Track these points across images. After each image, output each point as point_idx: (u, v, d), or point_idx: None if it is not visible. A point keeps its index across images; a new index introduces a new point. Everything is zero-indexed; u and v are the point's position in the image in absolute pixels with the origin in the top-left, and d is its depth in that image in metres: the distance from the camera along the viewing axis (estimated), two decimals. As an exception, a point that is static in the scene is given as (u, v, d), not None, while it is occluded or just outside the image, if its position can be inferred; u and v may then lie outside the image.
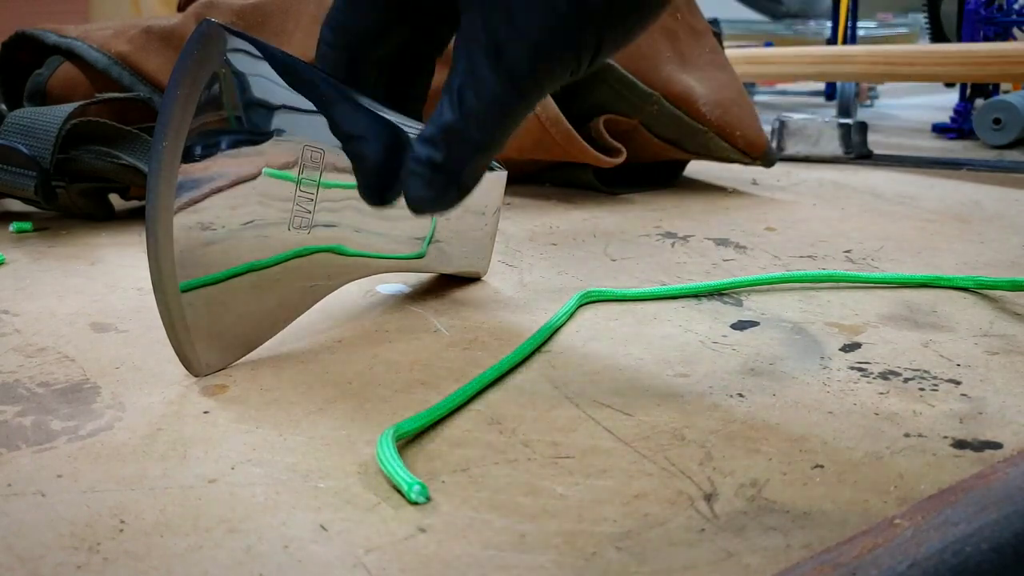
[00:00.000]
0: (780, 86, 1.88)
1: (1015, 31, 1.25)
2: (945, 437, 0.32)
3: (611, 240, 0.61)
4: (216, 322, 0.38)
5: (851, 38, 1.46)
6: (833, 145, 0.97)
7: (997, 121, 1.08)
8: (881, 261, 0.56)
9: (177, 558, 0.25)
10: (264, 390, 0.36)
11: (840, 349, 0.41)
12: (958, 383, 0.37)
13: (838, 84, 1.42)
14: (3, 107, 0.72)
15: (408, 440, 0.32)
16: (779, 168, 0.90)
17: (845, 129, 0.97)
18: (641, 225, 0.66)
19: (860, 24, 1.60)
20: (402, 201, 0.38)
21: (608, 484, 0.29)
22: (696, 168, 0.87)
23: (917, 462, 0.30)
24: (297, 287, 0.40)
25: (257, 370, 0.38)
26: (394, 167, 0.38)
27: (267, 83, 0.37)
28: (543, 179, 0.81)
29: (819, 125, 0.97)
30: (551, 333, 0.42)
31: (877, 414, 0.34)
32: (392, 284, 0.50)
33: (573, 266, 0.55)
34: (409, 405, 0.35)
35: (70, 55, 0.70)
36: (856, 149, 0.97)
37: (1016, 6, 1.24)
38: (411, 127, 0.40)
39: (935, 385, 0.37)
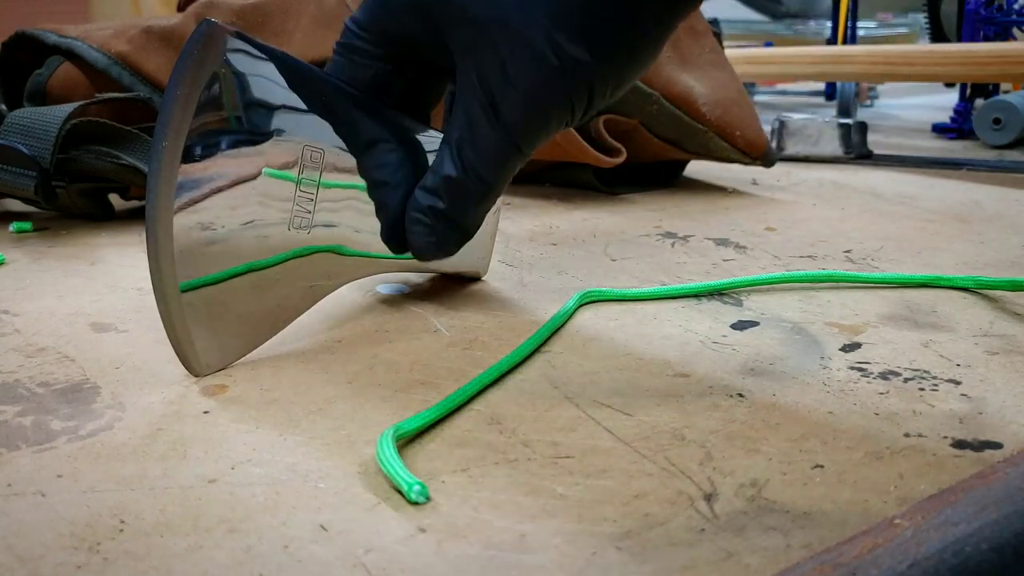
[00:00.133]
0: (780, 86, 1.88)
1: (1015, 31, 1.25)
2: (945, 437, 0.32)
3: (611, 240, 0.61)
4: (216, 322, 0.38)
5: (851, 38, 1.46)
6: (833, 145, 0.97)
7: (997, 121, 1.08)
8: (881, 261, 0.56)
9: (177, 558, 0.25)
10: (264, 390, 0.36)
11: (840, 349, 0.41)
12: (958, 383, 0.37)
13: (838, 84, 1.42)
14: (3, 107, 0.72)
15: (408, 440, 0.32)
16: (779, 168, 0.90)
17: (845, 129, 0.97)
18: (641, 225, 0.66)
19: (860, 24, 1.60)
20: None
21: (608, 484, 0.29)
22: (696, 168, 0.87)
23: (917, 462, 0.30)
24: (297, 287, 0.40)
25: (257, 370, 0.38)
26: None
27: (267, 83, 0.37)
28: (543, 179, 0.81)
29: (819, 125, 0.97)
30: (551, 333, 0.42)
31: (877, 414, 0.34)
32: (392, 284, 0.50)
33: (573, 266, 0.55)
34: (409, 405, 0.35)
35: (70, 55, 0.70)
36: (856, 149, 0.97)
37: (1016, 6, 1.24)
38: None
39: (935, 385, 0.37)
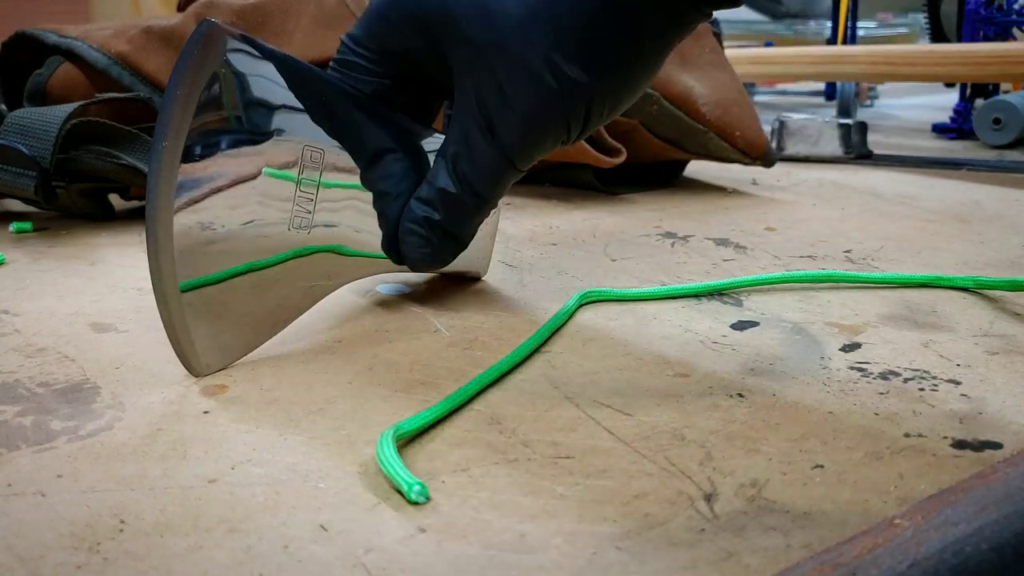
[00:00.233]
0: (780, 86, 1.88)
1: (1015, 31, 1.25)
2: (945, 437, 0.32)
3: (611, 240, 0.61)
4: (216, 322, 0.38)
5: (851, 38, 1.46)
6: (833, 145, 0.97)
7: (997, 121, 1.08)
8: (881, 261, 0.56)
9: (177, 558, 0.25)
10: (264, 390, 0.36)
11: (840, 349, 0.41)
12: (958, 383, 0.37)
13: (838, 84, 1.42)
14: (3, 107, 0.72)
15: (408, 440, 0.32)
16: (779, 168, 0.90)
17: (845, 129, 0.97)
18: (641, 225, 0.66)
19: (860, 24, 1.60)
20: None
21: (608, 484, 0.29)
22: (696, 168, 0.87)
23: (917, 462, 0.30)
24: (297, 287, 0.40)
25: (257, 370, 0.38)
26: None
27: (267, 83, 0.37)
28: (543, 179, 0.81)
29: (819, 125, 0.97)
30: (551, 333, 0.42)
31: (877, 414, 0.34)
32: (392, 284, 0.50)
33: (573, 266, 0.55)
34: (409, 405, 0.35)
35: (70, 55, 0.70)
36: (856, 149, 0.97)
37: (1016, 6, 1.24)
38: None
39: (935, 385, 0.37)
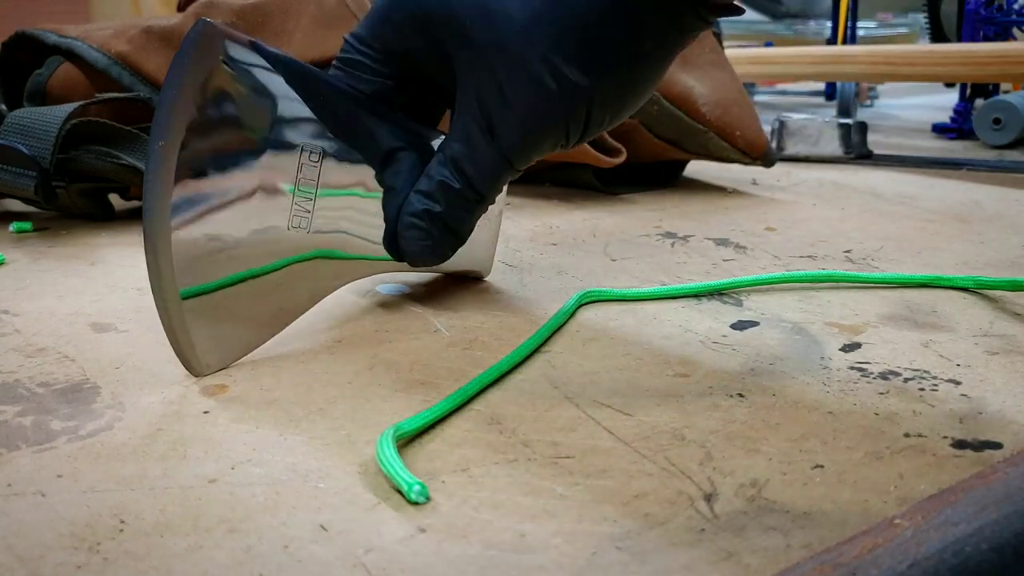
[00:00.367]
0: (780, 86, 1.88)
1: (1015, 31, 1.25)
2: (945, 437, 0.32)
3: (611, 240, 0.61)
4: (216, 324, 0.38)
5: (851, 38, 1.46)
6: (833, 145, 0.97)
7: (997, 121, 1.08)
8: (881, 261, 0.56)
9: (177, 558, 0.25)
10: (264, 390, 0.36)
11: (840, 349, 0.41)
12: (958, 383, 0.37)
13: (838, 84, 1.42)
14: (3, 107, 0.72)
15: (408, 440, 0.32)
16: (779, 168, 0.90)
17: (845, 129, 0.97)
18: (641, 225, 0.66)
19: (860, 24, 1.60)
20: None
21: (608, 484, 0.29)
22: (696, 168, 0.87)
23: (917, 462, 0.30)
24: (298, 288, 0.40)
25: (257, 370, 0.38)
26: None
27: (265, 83, 0.37)
28: (543, 179, 0.81)
29: (819, 125, 0.97)
30: (551, 333, 0.42)
31: (877, 414, 0.34)
32: (392, 284, 0.50)
33: (573, 266, 0.55)
34: (409, 405, 0.35)
35: (70, 55, 0.70)
36: (856, 149, 0.97)
37: (1016, 6, 1.24)
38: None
39: (935, 385, 0.37)
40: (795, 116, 0.99)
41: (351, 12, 0.72)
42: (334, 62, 0.40)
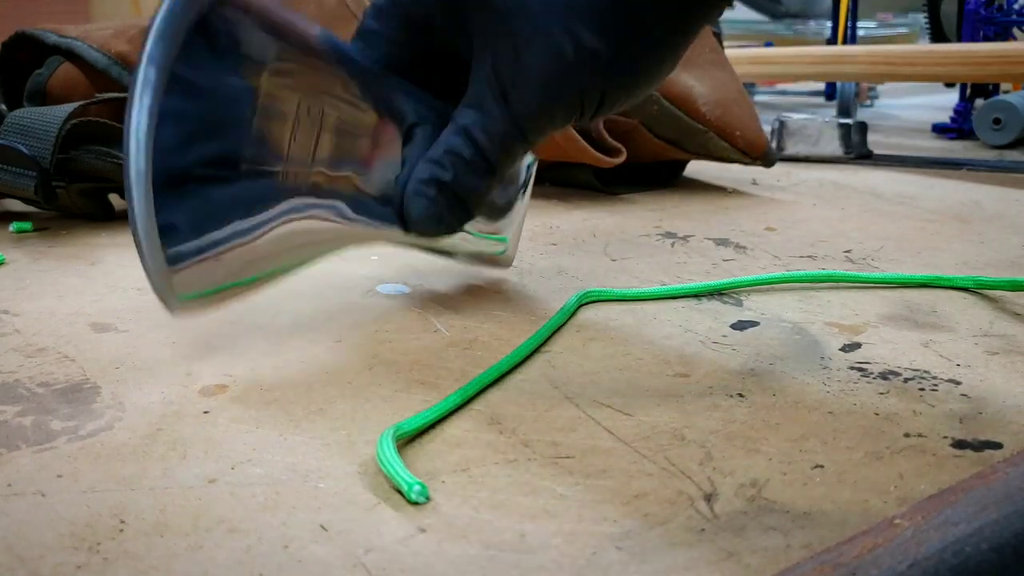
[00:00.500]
0: (780, 86, 1.88)
1: (1015, 31, 1.25)
2: (945, 437, 0.32)
3: (611, 240, 0.61)
4: (197, 253, 0.34)
5: (851, 38, 1.46)
6: (833, 145, 0.97)
7: (997, 121, 1.08)
8: (881, 261, 0.56)
9: (177, 558, 0.25)
10: (264, 390, 0.36)
11: (840, 349, 0.41)
12: (958, 383, 0.37)
13: (838, 84, 1.42)
14: (3, 107, 0.72)
15: (408, 440, 0.32)
16: (779, 168, 0.90)
17: (845, 129, 0.97)
18: (641, 225, 0.66)
19: (860, 24, 1.60)
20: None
21: (608, 484, 0.29)
22: (696, 168, 0.87)
23: (917, 462, 0.30)
24: (293, 245, 0.37)
25: (257, 370, 0.38)
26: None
27: (259, 36, 0.35)
28: (543, 179, 0.81)
29: (819, 125, 0.97)
30: (551, 333, 0.42)
31: (877, 414, 0.34)
32: (392, 284, 0.50)
33: (573, 266, 0.55)
34: (409, 405, 0.35)
35: (70, 55, 0.70)
36: (856, 149, 0.97)
37: (1016, 6, 1.24)
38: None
39: (935, 385, 0.37)
40: (795, 116, 0.99)
41: (351, 12, 0.72)
42: (354, 33, 0.39)
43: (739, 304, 0.47)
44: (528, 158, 0.49)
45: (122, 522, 0.27)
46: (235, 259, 0.35)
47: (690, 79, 0.76)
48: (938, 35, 1.47)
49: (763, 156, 0.78)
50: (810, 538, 0.26)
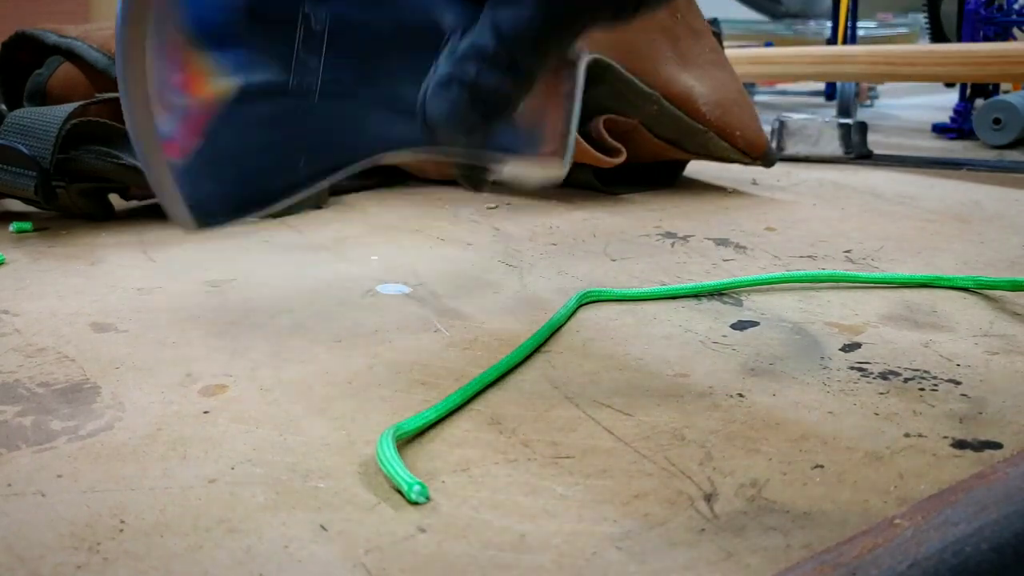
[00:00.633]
0: (780, 86, 1.88)
1: (1015, 31, 1.25)
2: (945, 437, 0.32)
3: (611, 240, 0.61)
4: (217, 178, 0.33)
5: (851, 38, 1.47)
6: (833, 145, 0.97)
7: (997, 121, 1.08)
8: (881, 261, 0.56)
9: (177, 558, 0.25)
10: (264, 390, 0.36)
11: (840, 349, 0.41)
12: (958, 383, 0.37)
13: (838, 84, 1.42)
14: (3, 107, 0.72)
15: (408, 440, 0.32)
16: (779, 168, 0.90)
17: (845, 129, 0.97)
18: (641, 225, 0.66)
19: (860, 24, 1.60)
20: None
21: (608, 484, 0.29)
22: (696, 168, 0.87)
23: (917, 462, 0.30)
24: (305, 150, 0.36)
25: (257, 370, 0.38)
26: None
27: None
28: (543, 179, 0.81)
29: (819, 125, 0.97)
30: (551, 333, 0.42)
31: (877, 414, 0.34)
32: (392, 284, 0.50)
33: (573, 266, 0.55)
34: (409, 405, 0.35)
35: (70, 55, 0.70)
36: (856, 149, 0.97)
37: (1016, 6, 1.24)
38: None
39: (935, 385, 0.37)
40: (795, 116, 0.99)
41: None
42: None
43: (739, 304, 0.47)
44: (585, 57, 0.42)
45: (122, 522, 0.27)
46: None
47: (690, 79, 0.76)
48: (938, 35, 1.47)
49: (763, 156, 0.78)
50: (810, 538, 0.26)
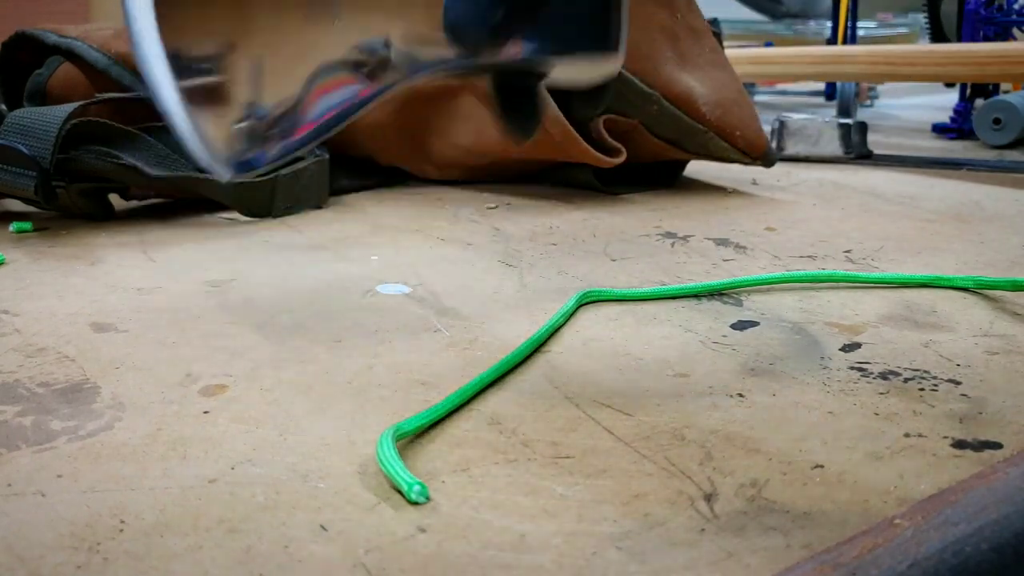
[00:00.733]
0: (780, 86, 1.88)
1: (1015, 31, 1.25)
2: (945, 437, 0.32)
3: (611, 240, 0.61)
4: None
5: (851, 38, 1.46)
6: (833, 145, 0.97)
7: (997, 121, 1.08)
8: (881, 261, 0.56)
9: (177, 558, 0.25)
10: (264, 390, 0.36)
11: (840, 349, 0.41)
12: (958, 383, 0.37)
13: (838, 84, 1.42)
14: (3, 107, 0.72)
15: (408, 440, 0.32)
16: (779, 168, 0.90)
17: (845, 129, 0.97)
18: (641, 225, 0.66)
19: (860, 24, 1.60)
20: None
21: (608, 484, 0.29)
22: (696, 168, 0.87)
23: (917, 462, 0.30)
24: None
25: (257, 370, 0.38)
26: None
27: None
28: (543, 179, 0.81)
29: (819, 125, 0.97)
30: (551, 333, 0.42)
31: (877, 414, 0.34)
32: (392, 284, 0.50)
33: (573, 266, 0.55)
34: (409, 405, 0.35)
35: (70, 55, 0.70)
36: (856, 149, 0.97)
37: (1016, 6, 1.24)
38: None
39: (935, 385, 0.37)
40: (795, 116, 0.99)
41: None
42: None
43: (739, 304, 0.47)
44: None
45: (122, 522, 0.27)
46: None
47: (690, 79, 0.76)
48: (938, 35, 1.47)
49: (763, 156, 0.78)
50: (810, 538, 0.26)
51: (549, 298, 0.48)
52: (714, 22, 1.00)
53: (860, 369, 0.38)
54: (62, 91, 0.69)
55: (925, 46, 1.36)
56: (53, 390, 0.36)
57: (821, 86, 1.73)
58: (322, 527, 0.27)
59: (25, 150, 0.59)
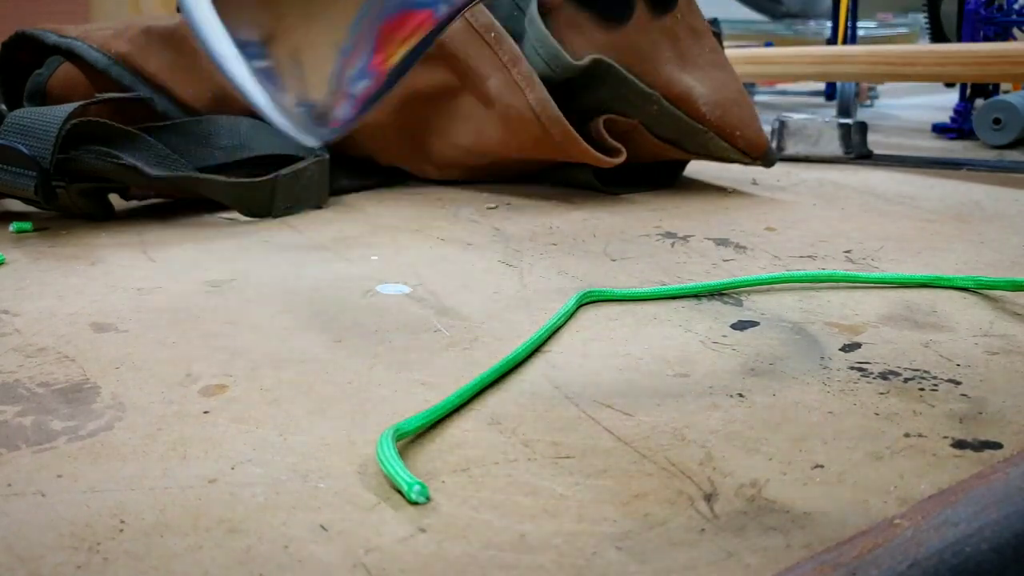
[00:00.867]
0: (780, 86, 1.88)
1: (1015, 31, 1.25)
2: (945, 437, 0.32)
3: (611, 240, 0.61)
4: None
5: (851, 38, 1.46)
6: (833, 145, 0.97)
7: (997, 121, 1.08)
8: (881, 261, 0.56)
9: (177, 558, 0.25)
10: (264, 390, 0.36)
11: (840, 349, 0.41)
12: (958, 383, 0.37)
13: (838, 84, 1.42)
14: (3, 107, 0.73)
15: (408, 440, 0.32)
16: (779, 168, 0.90)
17: (845, 129, 0.97)
18: (641, 225, 0.66)
19: (860, 24, 1.60)
20: None
21: (608, 484, 0.29)
22: (696, 168, 0.87)
23: (917, 462, 0.30)
24: None
25: (257, 370, 0.38)
26: None
27: None
28: (543, 179, 0.81)
29: (819, 125, 0.97)
30: (551, 333, 0.42)
31: (877, 414, 0.34)
32: (392, 284, 0.50)
33: (573, 266, 0.55)
34: (409, 405, 0.35)
35: (70, 55, 0.70)
36: (856, 149, 0.97)
37: (1016, 6, 1.24)
38: None
39: (935, 385, 0.37)
40: (795, 116, 0.99)
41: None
42: None
43: (739, 304, 0.47)
44: None
45: (122, 522, 0.27)
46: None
47: (690, 79, 0.76)
48: (938, 35, 1.47)
49: (763, 156, 0.78)
50: (810, 538, 0.26)
51: (549, 298, 0.48)
52: (714, 22, 1.00)
53: (860, 369, 0.38)
54: (62, 91, 0.69)
55: (925, 46, 1.36)
56: (53, 390, 0.36)
57: (821, 86, 1.73)
58: (322, 527, 0.27)
59: (25, 150, 0.59)
